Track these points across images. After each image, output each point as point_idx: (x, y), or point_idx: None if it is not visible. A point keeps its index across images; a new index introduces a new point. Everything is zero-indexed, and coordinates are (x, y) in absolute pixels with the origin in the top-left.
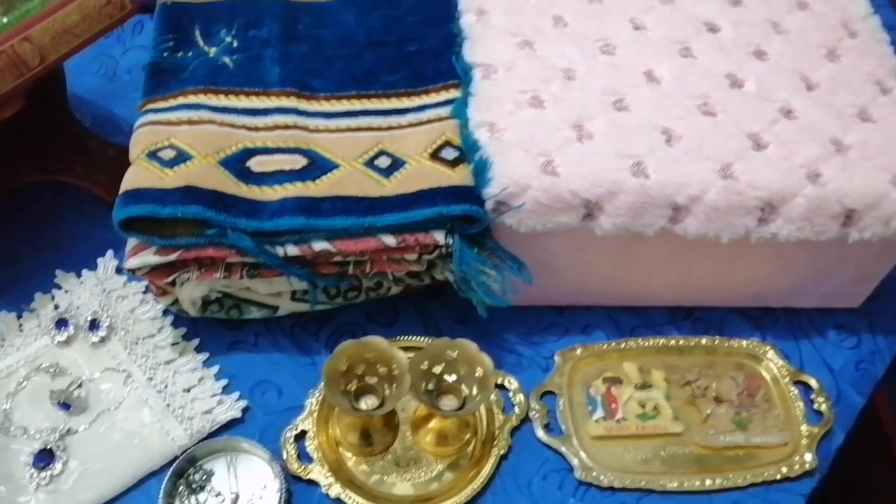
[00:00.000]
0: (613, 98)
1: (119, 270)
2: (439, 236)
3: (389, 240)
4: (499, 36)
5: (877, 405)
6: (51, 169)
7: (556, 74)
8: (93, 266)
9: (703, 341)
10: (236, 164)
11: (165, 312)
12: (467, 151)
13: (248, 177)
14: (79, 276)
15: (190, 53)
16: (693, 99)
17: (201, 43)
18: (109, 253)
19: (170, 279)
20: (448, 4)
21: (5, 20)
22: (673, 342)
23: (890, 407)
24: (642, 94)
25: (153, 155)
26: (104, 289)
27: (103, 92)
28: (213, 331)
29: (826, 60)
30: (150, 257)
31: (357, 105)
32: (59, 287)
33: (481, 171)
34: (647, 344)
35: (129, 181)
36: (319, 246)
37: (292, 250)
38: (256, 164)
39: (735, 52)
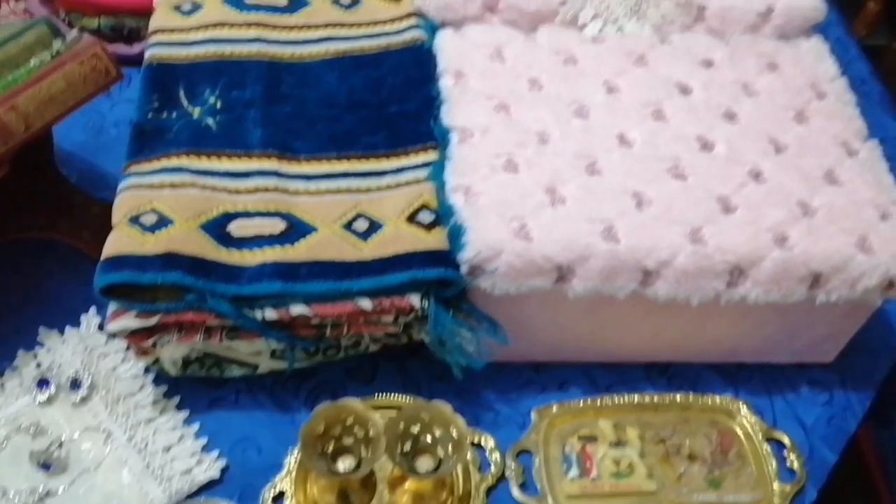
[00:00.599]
0: (586, 162)
1: (101, 327)
2: (415, 300)
3: (366, 303)
4: (476, 100)
5: (862, 450)
6: (36, 226)
7: (530, 138)
8: (76, 322)
9: (678, 398)
10: (217, 228)
11: (147, 370)
12: (443, 215)
13: (228, 241)
14: (62, 332)
15: (174, 114)
16: (664, 162)
17: (185, 104)
18: (92, 310)
19: (150, 341)
20: (428, 66)
21: None
22: (648, 399)
23: (874, 451)
24: (614, 157)
25: (135, 220)
26: (87, 346)
27: (90, 146)
28: (194, 388)
29: (795, 123)
30: (130, 321)
31: (337, 166)
32: (42, 344)
33: (456, 235)
34: (622, 401)
35: (111, 247)
36: (297, 310)
37: (270, 314)
38: (236, 228)
39: (706, 115)
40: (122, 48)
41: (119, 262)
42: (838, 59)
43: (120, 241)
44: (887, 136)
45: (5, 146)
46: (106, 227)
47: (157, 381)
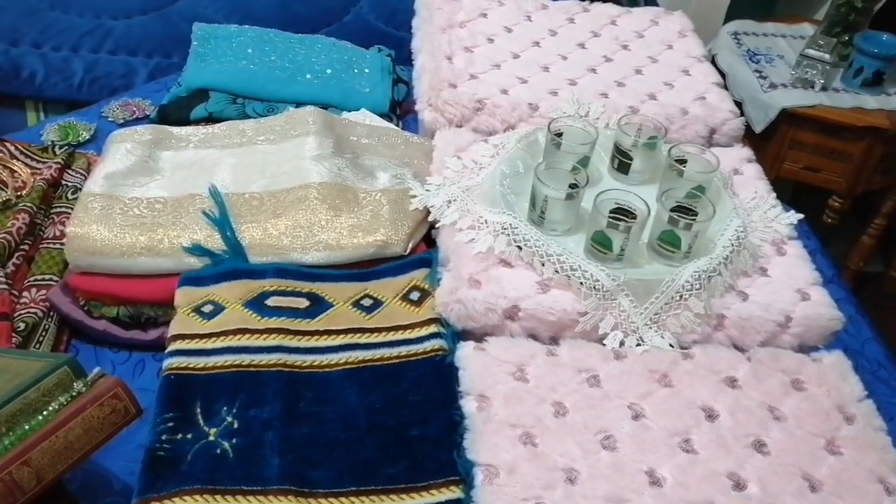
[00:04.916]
0: None
1: None
2: None
3: None
4: (500, 429)
5: None
6: None
7: (557, 477)
8: None
9: None
10: None
11: None
12: None
13: None
14: None
15: (190, 435)
16: None
17: (201, 422)
18: None
19: None
20: (449, 383)
21: (7, 441)
22: None
23: None
24: (645, 501)
25: None
26: None
27: None
28: None
29: (826, 453)
30: None
31: (356, 503)
32: None
33: None
34: None
35: None
36: None
37: None
38: None
39: (735, 445)
40: (138, 334)
41: None
42: (853, 340)
43: None
44: None
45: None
46: None
47: None
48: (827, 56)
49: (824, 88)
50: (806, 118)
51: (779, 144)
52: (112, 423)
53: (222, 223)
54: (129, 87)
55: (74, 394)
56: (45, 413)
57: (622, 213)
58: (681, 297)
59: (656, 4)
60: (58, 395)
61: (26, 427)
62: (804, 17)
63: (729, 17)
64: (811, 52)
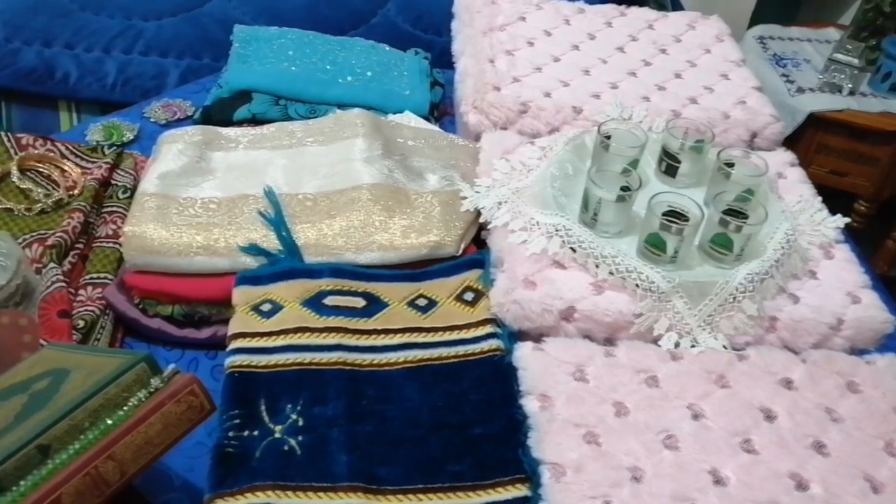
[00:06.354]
0: None
1: None
2: None
3: None
4: (564, 428)
5: None
6: None
7: (623, 476)
8: None
9: None
10: None
11: None
12: None
13: None
14: None
15: (256, 432)
16: None
17: (267, 420)
18: None
19: None
20: (509, 382)
21: (91, 436)
22: None
23: None
24: (711, 500)
25: None
26: None
27: None
28: None
29: (886, 455)
30: None
31: (424, 500)
32: None
33: None
34: None
35: None
36: None
37: None
38: None
39: (795, 446)
40: (191, 332)
41: None
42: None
43: None
44: None
45: (100, 498)
46: None
47: None
48: (855, 60)
49: (852, 93)
50: (833, 122)
51: (805, 148)
52: (188, 419)
53: (278, 223)
54: (160, 87)
55: (152, 390)
56: (125, 408)
57: (674, 216)
58: (734, 299)
59: (682, 8)
60: (136, 391)
61: (109, 422)
62: (829, 21)
63: (752, 23)
64: (839, 56)
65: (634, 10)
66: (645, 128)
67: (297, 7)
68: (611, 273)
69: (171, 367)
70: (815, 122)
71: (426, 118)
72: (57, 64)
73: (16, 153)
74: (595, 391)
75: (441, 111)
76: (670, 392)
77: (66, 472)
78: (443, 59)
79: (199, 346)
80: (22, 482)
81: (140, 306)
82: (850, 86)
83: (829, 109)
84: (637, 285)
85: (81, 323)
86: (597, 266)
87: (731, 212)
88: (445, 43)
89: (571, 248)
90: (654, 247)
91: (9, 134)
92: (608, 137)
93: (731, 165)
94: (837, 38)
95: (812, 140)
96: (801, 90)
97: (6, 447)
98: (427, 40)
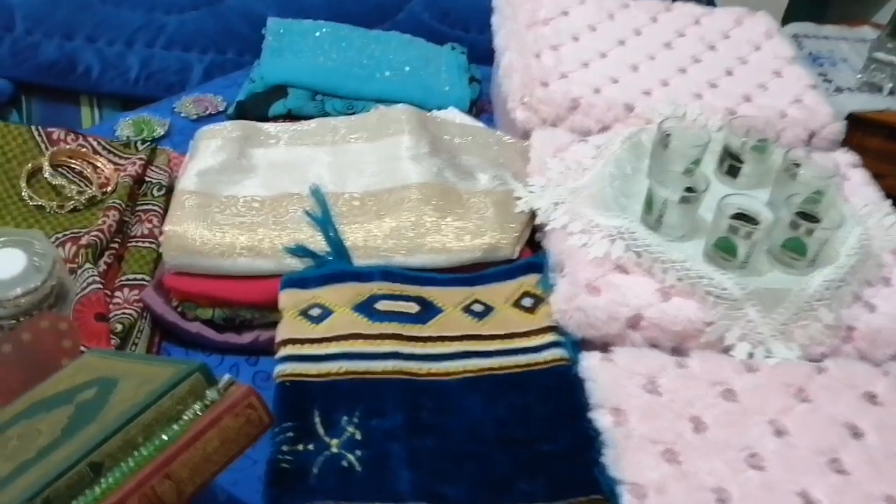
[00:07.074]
0: None
1: None
2: None
3: None
4: (642, 446)
5: None
6: None
7: (708, 498)
8: None
9: None
10: None
11: None
12: None
13: None
14: None
15: (311, 446)
16: None
17: (322, 433)
18: None
19: None
20: (577, 394)
21: (145, 452)
22: None
23: None
24: None
25: None
26: None
27: None
28: None
29: None
30: None
31: None
32: None
33: None
34: None
35: None
36: None
37: None
38: None
39: (887, 466)
40: (232, 337)
41: None
42: None
43: None
44: None
45: None
46: None
47: None
48: None
49: (892, 92)
50: (873, 123)
51: None
52: (246, 433)
53: (325, 223)
54: (184, 82)
55: (208, 402)
56: (180, 422)
57: (742, 219)
58: (810, 307)
59: (714, 5)
60: (191, 404)
61: (164, 437)
62: (863, 19)
63: (783, 22)
64: (880, 55)
65: (680, 5)
66: (700, 126)
67: (321, 2)
68: (679, 279)
69: (227, 377)
70: (853, 122)
71: (465, 114)
72: (79, 58)
73: (47, 148)
74: (670, 405)
75: (479, 108)
76: (749, 406)
77: (120, 493)
78: (472, 56)
79: (240, 352)
80: (74, 503)
81: (179, 309)
82: (890, 85)
83: (869, 110)
84: (708, 292)
85: (119, 327)
86: (664, 272)
87: (801, 215)
88: (473, 39)
89: (636, 253)
90: (724, 251)
91: (39, 128)
92: (668, 136)
93: (797, 166)
94: (873, 37)
95: (849, 141)
96: (839, 90)
97: (57, 464)
98: (455, 36)
